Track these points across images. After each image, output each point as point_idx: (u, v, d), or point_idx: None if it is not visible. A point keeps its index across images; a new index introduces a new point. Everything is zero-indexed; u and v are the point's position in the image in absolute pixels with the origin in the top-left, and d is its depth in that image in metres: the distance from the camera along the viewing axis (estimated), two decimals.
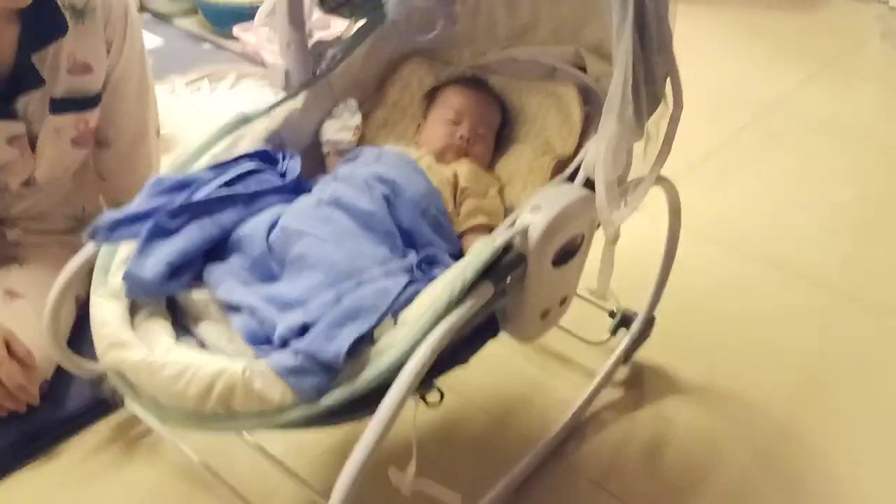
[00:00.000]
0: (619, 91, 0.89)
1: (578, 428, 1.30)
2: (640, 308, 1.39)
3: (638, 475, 1.24)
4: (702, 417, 1.34)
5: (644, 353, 1.42)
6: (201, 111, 2.12)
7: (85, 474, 1.22)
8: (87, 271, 1.01)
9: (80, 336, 1.30)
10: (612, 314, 1.41)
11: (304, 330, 0.84)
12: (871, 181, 2.00)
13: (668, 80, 1.00)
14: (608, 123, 0.93)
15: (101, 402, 1.29)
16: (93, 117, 1.36)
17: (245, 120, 1.15)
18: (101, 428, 1.29)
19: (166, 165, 1.83)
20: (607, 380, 1.37)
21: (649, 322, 1.40)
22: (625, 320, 1.40)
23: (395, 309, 0.86)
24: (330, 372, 0.80)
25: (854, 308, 1.58)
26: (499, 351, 1.01)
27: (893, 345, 1.50)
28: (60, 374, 1.33)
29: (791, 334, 1.53)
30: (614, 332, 1.41)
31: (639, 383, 1.40)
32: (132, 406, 1.21)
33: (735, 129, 2.18)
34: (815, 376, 1.43)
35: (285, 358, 0.81)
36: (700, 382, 1.40)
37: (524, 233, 0.92)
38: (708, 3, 2.97)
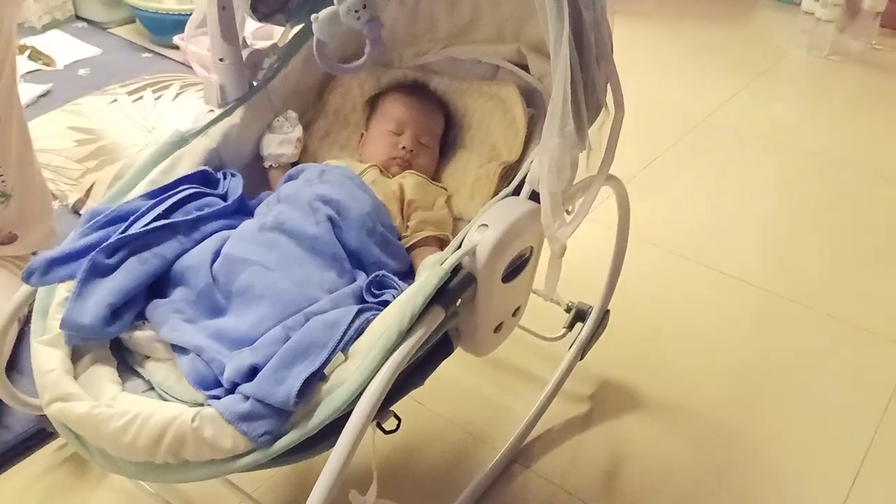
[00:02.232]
0: (559, 107, 0.88)
1: (538, 432, 1.31)
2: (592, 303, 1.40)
3: (596, 475, 1.26)
4: (651, 418, 1.36)
5: (595, 359, 1.43)
6: (145, 122, 2.06)
7: (33, 500, 1.19)
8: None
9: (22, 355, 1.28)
10: (567, 309, 1.41)
11: (253, 372, 0.82)
12: (797, 187, 2.07)
13: (609, 85, 0.99)
14: (550, 138, 0.92)
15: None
16: None
17: (182, 140, 1.12)
18: (49, 450, 1.26)
19: (105, 186, 1.80)
20: (565, 376, 1.38)
21: (604, 315, 1.41)
22: (580, 314, 1.40)
23: (345, 342, 0.85)
24: (282, 415, 0.79)
25: (789, 309, 1.63)
26: (456, 357, 1.01)
27: (824, 339, 1.55)
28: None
29: (731, 336, 1.57)
30: (571, 326, 1.41)
31: (592, 388, 1.42)
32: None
33: (670, 140, 2.22)
34: (752, 372, 1.47)
35: (235, 403, 0.79)
36: (648, 384, 1.43)
37: (472, 252, 0.91)
38: (641, 16, 3.01)
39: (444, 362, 0.98)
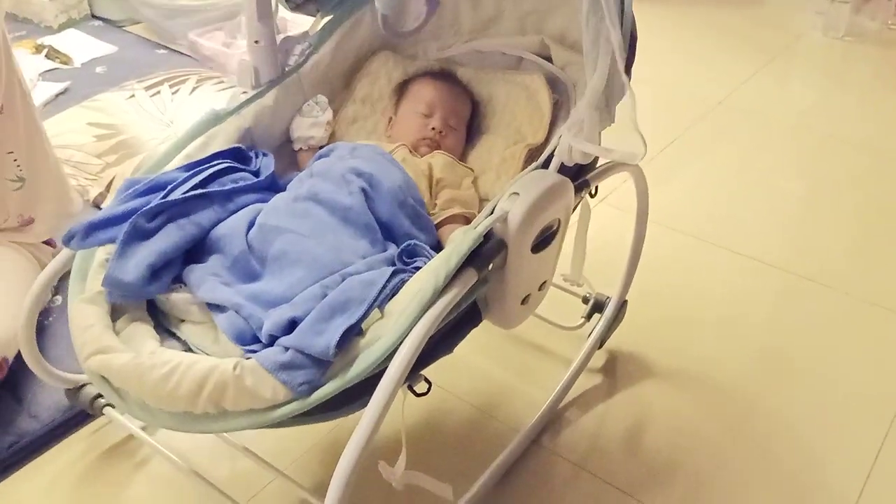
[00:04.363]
0: (594, 82, 0.91)
1: (559, 413, 1.32)
2: (610, 294, 1.41)
3: (617, 456, 1.26)
4: (674, 398, 1.37)
5: (615, 341, 1.45)
6: (163, 116, 2.09)
7: (65, 486, 1.20)
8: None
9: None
10: (585, 300, 1.43)
11: (291, 325, 0.84)
12: (815, 168, 2.09)
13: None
14: (581, 111, 0.95)
15: (78, 412, 1.27)
16: None
17: (217, 118, 1.15)
18: (79, 437, 1.27)
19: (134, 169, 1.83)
20: (584, 364, 1.39)
21: (622, 305, 1.43)
22: (598, 305, 1.42)
23: (381, 300, 0.87)
24: (321, 366, 0.81)
25: (809, 289, 1.64)
26: (478, 342, 1.02)
27: (845, 319, 1.57)
28: (33, 383, 1.31)
29: (750, 314, 1.58)
30: (589, 317, 1.43)
31: (612, 369, 1.43)
32: (114, 414, 1.20)
33: (687, 123, 2.25)
34: (774, 351, 1.48)
35: (275, 354, 0.81)
36: (669, 365, 1.44)
37: (504, 219, 0.93)
38: (655, 1, 3.04)
39: (466, 348, 0.99)
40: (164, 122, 2.05)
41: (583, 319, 1.43)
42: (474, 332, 1.01)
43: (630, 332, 1.45)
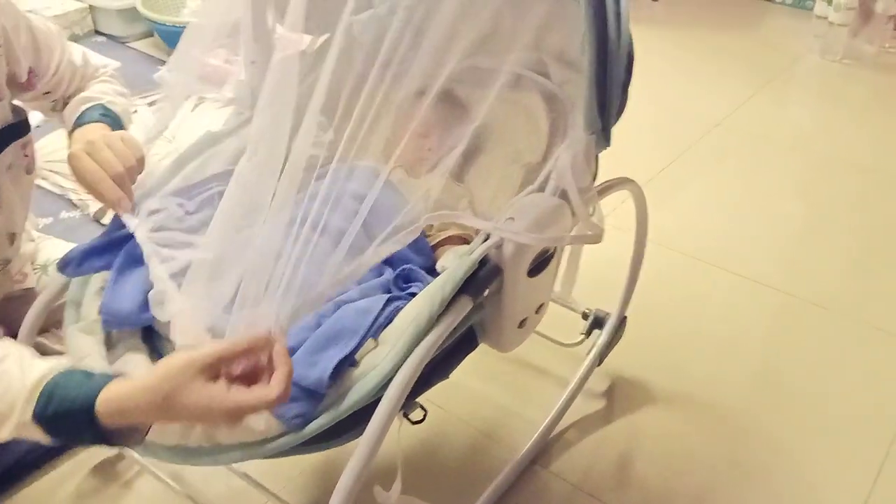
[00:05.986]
0: (588, 104, 0.91)
1: (556, 435, 1.32)
2: (609, 311, 1.41)
3: (614, 477, 1.26)
4: (671, 419, 1.37)
5: (613, 361, 1.44)
6: (166, 132, 2.09)
7: None
8: None
9: None
10: (584, 315, 1.43)
11: None
12: (813, 190, 2.09)
13: None
14: (578, 134, 0.94)
15: None
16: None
17: (213, 140, 1.15)
18: (70, 456, 1.27)
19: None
20: (583, 382, 1.39)
21: (622, 321, 1.42)
22: (598, 321, 1.42)
23: (375, 329, 0.86)
24: (314, 398, 0.80)
25: (807, 311, 1.64)
26: (475, 363, 1.02)
27: (843, 341, 1.57)
28: None
29: (748, 335, 1.58)
30: (588, 333, 1.42)
31: (610, 390, 1.43)
32: None
33: (686, 144, 2.25)
34: (772, 373, 1.49)
35: None
36: (667, 386, 1.44)
37: (499, 245, 0.93)
38: (650, 22, 3.05)
39: (463, 369, 0.99)
40: (166, 139, 2.05)
41: (582, 336, 1.42)
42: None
43: (628, 352, 1.45)
